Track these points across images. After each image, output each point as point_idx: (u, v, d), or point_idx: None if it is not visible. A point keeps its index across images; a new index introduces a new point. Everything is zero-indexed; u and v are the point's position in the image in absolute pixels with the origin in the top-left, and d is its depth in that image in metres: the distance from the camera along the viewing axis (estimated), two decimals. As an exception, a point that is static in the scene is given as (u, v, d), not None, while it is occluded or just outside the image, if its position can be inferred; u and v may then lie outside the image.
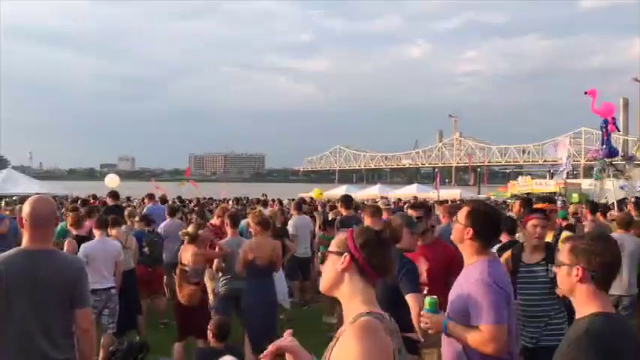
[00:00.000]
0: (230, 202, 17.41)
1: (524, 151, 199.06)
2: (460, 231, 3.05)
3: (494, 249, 5.72)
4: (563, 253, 2.26)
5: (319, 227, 10.42)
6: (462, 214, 3.07)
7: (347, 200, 8.19)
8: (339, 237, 2.12)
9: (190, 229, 6.48)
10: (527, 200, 7.30)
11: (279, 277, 7.46)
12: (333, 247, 2.10)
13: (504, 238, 5.63)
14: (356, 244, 2.01)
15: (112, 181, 28.22)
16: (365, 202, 17.70)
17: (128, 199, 20.79)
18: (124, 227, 7.92)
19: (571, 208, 12.06)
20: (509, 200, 26.95)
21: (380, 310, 1.97)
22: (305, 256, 9.91)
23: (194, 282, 6.14)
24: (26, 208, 3.12)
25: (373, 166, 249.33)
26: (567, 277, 2.23)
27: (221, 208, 8.68)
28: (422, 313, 3.14)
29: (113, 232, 7.14)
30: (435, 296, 3.19)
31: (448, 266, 4.36)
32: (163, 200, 13.09)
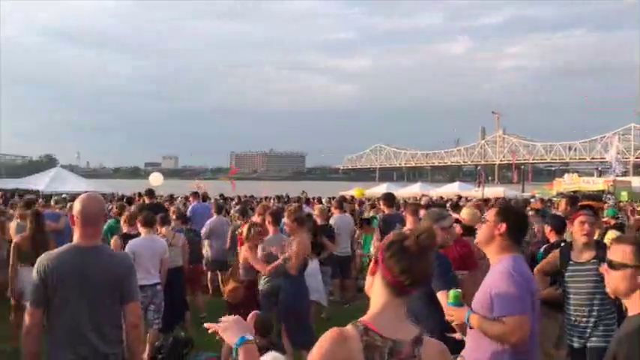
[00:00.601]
0: (271, 200, 17.55)
1: (570, 148, 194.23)
2: (490, 228, 3.03)
3: (542, 249, 5.61)
4: (620, 253, 2.19)
5: (357, 226, 10.42)
6: (491, 213, 3.10)
7: (389, 198, 8.14)
8: (384, 241, 2.08)
9: (246, 229, 6.48)
10: (573, 198, 7.14)
11: (315, 275, 7.53)
12: (375, 249, 2.06)
13: (552, 237, 5.50)
14: (384, 255, 1.93)
15: (156, 179, 28.77)
16: (407, 201, 17.60)
17: (171, 197, 21.16)
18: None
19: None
20: (554, 198, 26.34)
21: (373, 324, 1.85)
22: (345, 255, 9.89)
23: (241, 280, 6.21)
24: (77, 205, 3.20)
25: (414, 164, 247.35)
26: (627, 280, 2.15)
27: (262, 206, 8.75)
28: (446, 306, 3.15)
29: (163, 230, 7.29)
30: (459, 289, 3.21)
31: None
32: (204, 198, 13.29)
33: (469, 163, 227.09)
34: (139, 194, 18.19)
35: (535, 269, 4.80)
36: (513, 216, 3.04)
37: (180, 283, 7.58)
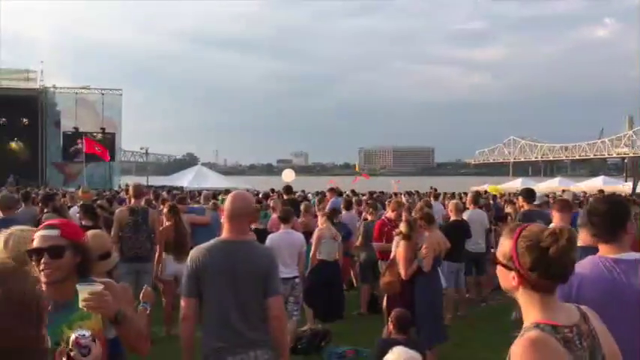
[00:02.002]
0: (402, 196, 17.45)
1: None
2: None
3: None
4: None
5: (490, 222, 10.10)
6: None
7: (529, 193, 7.75)
8: (504, 246, 1.86)
9: (403, 227, 6.48)
10: None
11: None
12: (499, 256, 1.93)
13: None
14: (523, 265, 1.78)
15: (288, 175, 29.75)
16: (556, 195, 16.65)
17: (303, 192, 21.73)
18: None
19: None
20: None
21: (554, 320, 1.77)
22: (478, 251, 9.60)
23: (398, 273, 6.25)
24: (227, 201, 3.42)
25: (552, 158, 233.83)
26: None
27: (395, 201, 8.73)
28: None
29: (327, 223, 7.61)
30: None
31: None
32: (339, 194, 13.53)
33: (615, 155, 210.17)
34: (272, 190, 18.92)
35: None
36: None
37: (338, 275, 7.85)
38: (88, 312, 2.33)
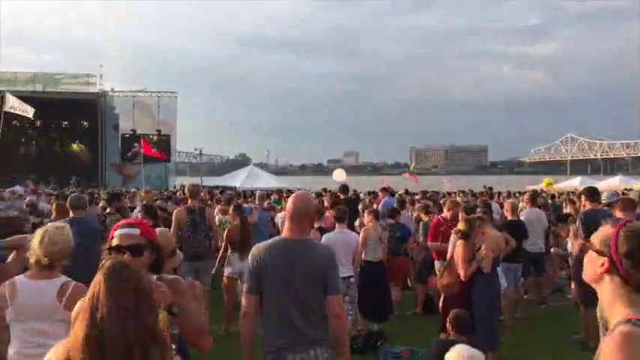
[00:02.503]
0: (456, 195, 17.19)
1: None
2: None
3: None
4: None
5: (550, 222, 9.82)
6: None
7: (592, 192, 7.46)
8: (605, 232, 1.86)
9: (462, 226, 6.40)
10: None
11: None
12: (596, 241, 1.90)
13: None
14: (619, 251, 1.76)
15: (339, 175, 29.79)
16: (624, 193, 16.06)
17: (355, 192, 21.68)
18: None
19: None
20: None
21: None
22: (537, 251, 9.36)
23: (457, 274, 6.16)
24: (289, 201, 3.47)
25: (612, 156, 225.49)
26: None
27: (451, 201, 8.58)
28: None
29: (373, 223, 7.58)
30: None
31: None
32: (392, 193, 13.44)
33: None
34: (325, 190, 18.97)
35: None
36: None
37: (385, 276, 7.77)
38: None
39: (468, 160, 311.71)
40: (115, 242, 2.45)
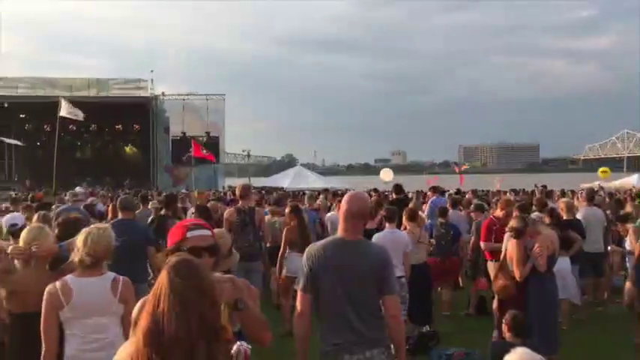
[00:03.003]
0: (508, 194, 16.82)
1: None
2: None
3: None
4: None
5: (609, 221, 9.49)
6: None
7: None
8: None
9: (515, 223, 6.25)
10: None
11: (565, 273, 7.18)
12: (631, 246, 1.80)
13: None
14: None
15: (386, 174, 29.58)
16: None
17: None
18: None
19: None
20: None
21: None
22: (596, 252, 9.04)
23: (512, 276, 6.01)
24: (344, 201, 3.45)
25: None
26: None
27: (505, 200, 8.37)
28: None
29: (410, 225, 7.47)
30: None
31: None
32: (441, 192, 13.26)
33: None
34: (375, 190, 18.87)
35: None
36: None
37: (428, 278, 7.67)
38: None
39: (519, 158, 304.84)
40: (190, 243, 2.48)
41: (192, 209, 9.37)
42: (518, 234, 5.94)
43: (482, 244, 7.77)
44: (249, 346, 2.00)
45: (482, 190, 23.58)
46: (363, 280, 3.25)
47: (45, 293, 3.18)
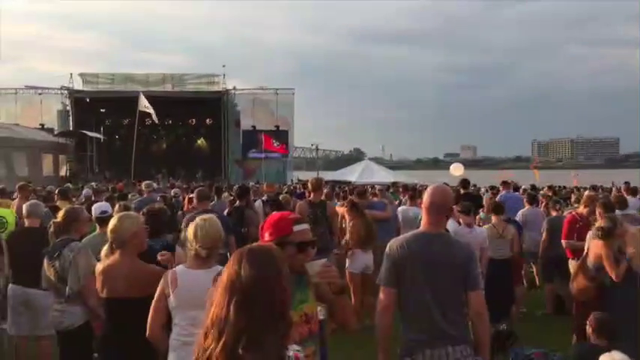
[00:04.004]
0: (587, 191, 16.12)
1: None
2: None
3: None
4: None
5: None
6: None
7: None
8: None
9: (604, 222, 5.97)
10: None
11: None
12: None
13: None
14: None
15: (457, 169, 28.99)
16: None
17: (474, 186, 20.99)
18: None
19: None
20: None
21: None
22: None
23: (592, 277, 5.75)
24: (426, 194, 3.41)
25: None
26: None
27: (588, 196, 7.98)
28: None
29: (495, 219, 7.31)
30: None
31: None
32: (516, 188, 12.87)
33: None
34: (445, 184, 18.49)
35: None
36: None
37: (508, 275, 7.47)
38: (307, 296, 2.46)
39: (597, 154, 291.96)
40: (298, 237, 2.53)
41: (260, 201, 9.48)
42: (606, 235, 5.64)
43: (563, 242, 7.47)
44: (300, 349, 1.99)
45: (559, 187, 22.73)
46: (447, 274, 3.19)
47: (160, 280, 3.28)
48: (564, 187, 22.22)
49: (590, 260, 5.76)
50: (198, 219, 3.42)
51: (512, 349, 6.42)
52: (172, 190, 13.40)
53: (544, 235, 8.39)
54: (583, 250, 6.38)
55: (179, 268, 3.36)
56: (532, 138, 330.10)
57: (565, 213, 8.73)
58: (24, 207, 5.90)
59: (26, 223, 5.71)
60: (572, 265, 7.13)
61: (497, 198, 11.42)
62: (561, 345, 6.06)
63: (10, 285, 5.47)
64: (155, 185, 13.89)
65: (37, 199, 7.44)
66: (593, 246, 5.79)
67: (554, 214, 9.01)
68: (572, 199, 13.91)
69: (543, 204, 10.98)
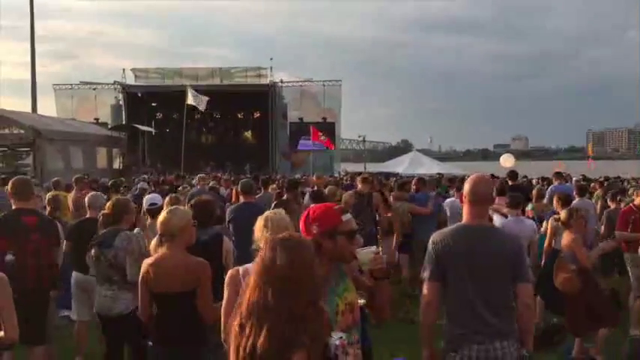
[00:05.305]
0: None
1: None
2: None
3: None
4: None
5: None
6: None
7: None
8: None
9: (566, 214, 5.77)
10: None
11: None
12: None
13: None
14: None
15: (507, 160, 28.33)
16: None
17: (525, 178, 20.50)
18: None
19: None
20: None
21: None
22: None
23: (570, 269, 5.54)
24: (466, 186, 3.31)
25: None
26: None
27: (645, 187, 7.72)
28: None
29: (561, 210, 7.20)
30: None
31: None
32: (567, 179, 12.52)
33: None
34: (492, 175, 18.16)
35: None
36: None
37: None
38: (349, 285, 2.48)
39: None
40: (347, 227, 2.54)
41: (308, 193, 9.55)
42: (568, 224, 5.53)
43: (616, 233, 7.23)
44: (344, 337, 1.99)
45: (615, 178, 21.93)
46: (495, 267, 3.12)
47: (227, 277, 3.22)
48: (618, 178, 21.40)
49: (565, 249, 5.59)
50: (268, 212, 3.42)
51: (562, 344, 6.28)
52: (211, 182, 13.50)
53: (602, 228, 8.16)
54: (637, 242, 6.18)
55: (248, 266, 3.35)
56: (586, 128, 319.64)
57: (622, 205, 8.46)
58: (86, 198, 6.16)
59: (87, 213, 5.93)
60: (627, 257, 6.93)
61: (548, 190, 11.13)
62: (615, 341, 5.90)
63: (74, 273, 5.76)
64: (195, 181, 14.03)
65: (98, 191, 7.75)
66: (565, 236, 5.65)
67: (612, 206, 8.73)
68: (630, 191, 13.42)
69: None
